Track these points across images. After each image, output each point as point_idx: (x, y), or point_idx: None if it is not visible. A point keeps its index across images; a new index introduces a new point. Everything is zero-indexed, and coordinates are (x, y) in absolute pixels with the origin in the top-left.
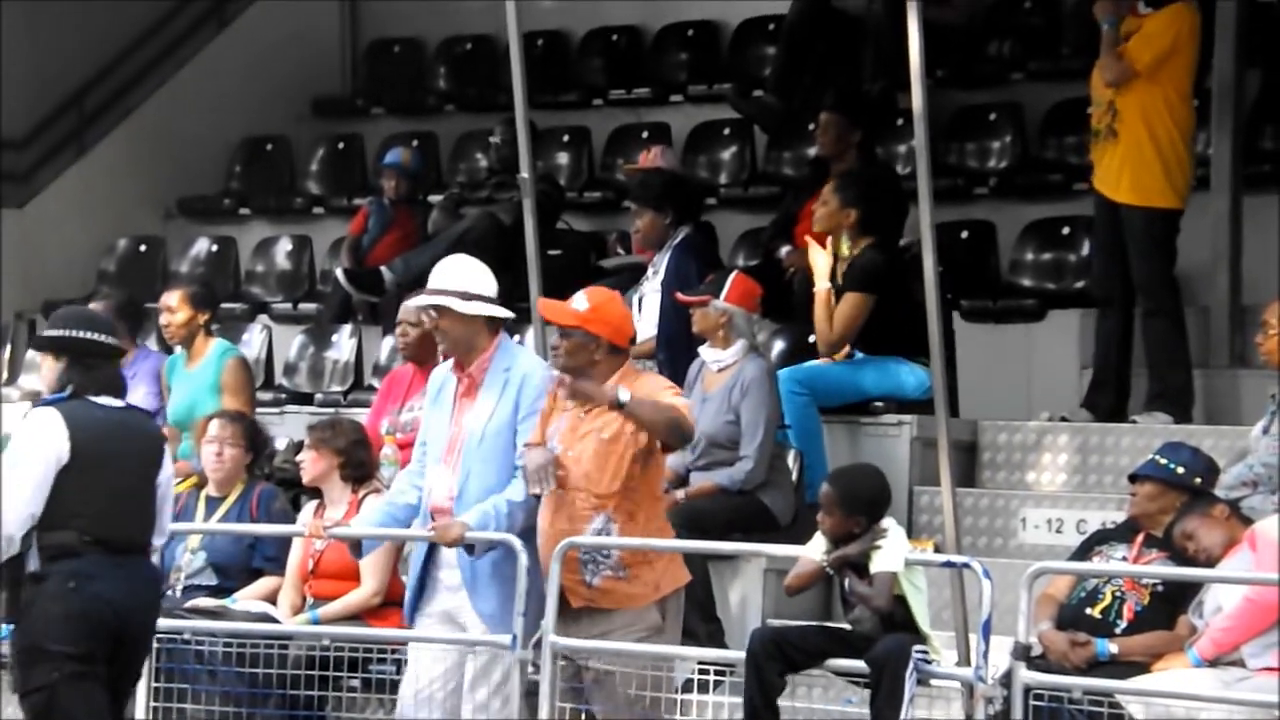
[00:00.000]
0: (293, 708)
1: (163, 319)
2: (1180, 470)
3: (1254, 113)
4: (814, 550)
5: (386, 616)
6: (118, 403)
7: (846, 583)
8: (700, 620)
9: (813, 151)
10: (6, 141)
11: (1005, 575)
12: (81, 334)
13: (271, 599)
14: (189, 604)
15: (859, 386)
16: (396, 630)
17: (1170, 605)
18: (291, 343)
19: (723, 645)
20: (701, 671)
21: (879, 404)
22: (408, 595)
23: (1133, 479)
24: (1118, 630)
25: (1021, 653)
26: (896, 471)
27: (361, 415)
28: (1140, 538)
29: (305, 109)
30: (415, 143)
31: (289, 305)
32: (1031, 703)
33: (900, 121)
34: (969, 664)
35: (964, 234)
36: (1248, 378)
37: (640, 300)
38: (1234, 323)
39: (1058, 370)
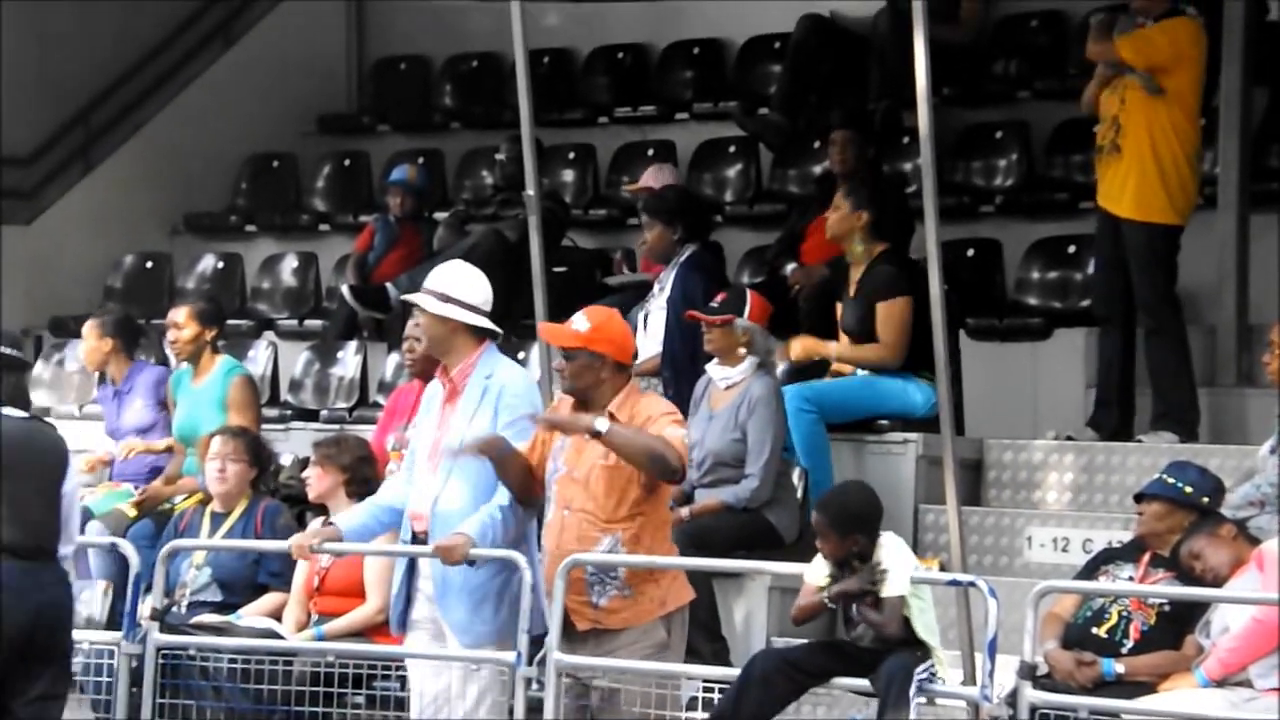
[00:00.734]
0: None
1: (169, 335)
2: (1188, 490)
3: (1261, 131)
4: (815, 572)
5: (391, 633)
6: (22, 414)
7: (854, 607)
8: (705, 639)
9: (818, 169)
10: (14, 158)
11: (1011, 594)
12: None
13: (276, 615)
14: (194, 620)
15: (866, 404)
16: (401, 647)
17: (1177, 625)
18: (297, 359)
19: (728, 663)
20: (707, 689)
21: (884, 422)
22: (393, 605)
23: (1139, 498)
24: (1124, 650)
25: (1027, 672)
26: (902, 490)
27: (367, 432)
28: (1147, 557)
29: (311, 126)
30: (421, 160)
31: (294, 322)
32: None
33: (906, 140)
34: (975, 683)
35: (970, 252)
36: (1254, 397)
37: (646, 318)
38: (1241, 342)
39: (1063, 389)
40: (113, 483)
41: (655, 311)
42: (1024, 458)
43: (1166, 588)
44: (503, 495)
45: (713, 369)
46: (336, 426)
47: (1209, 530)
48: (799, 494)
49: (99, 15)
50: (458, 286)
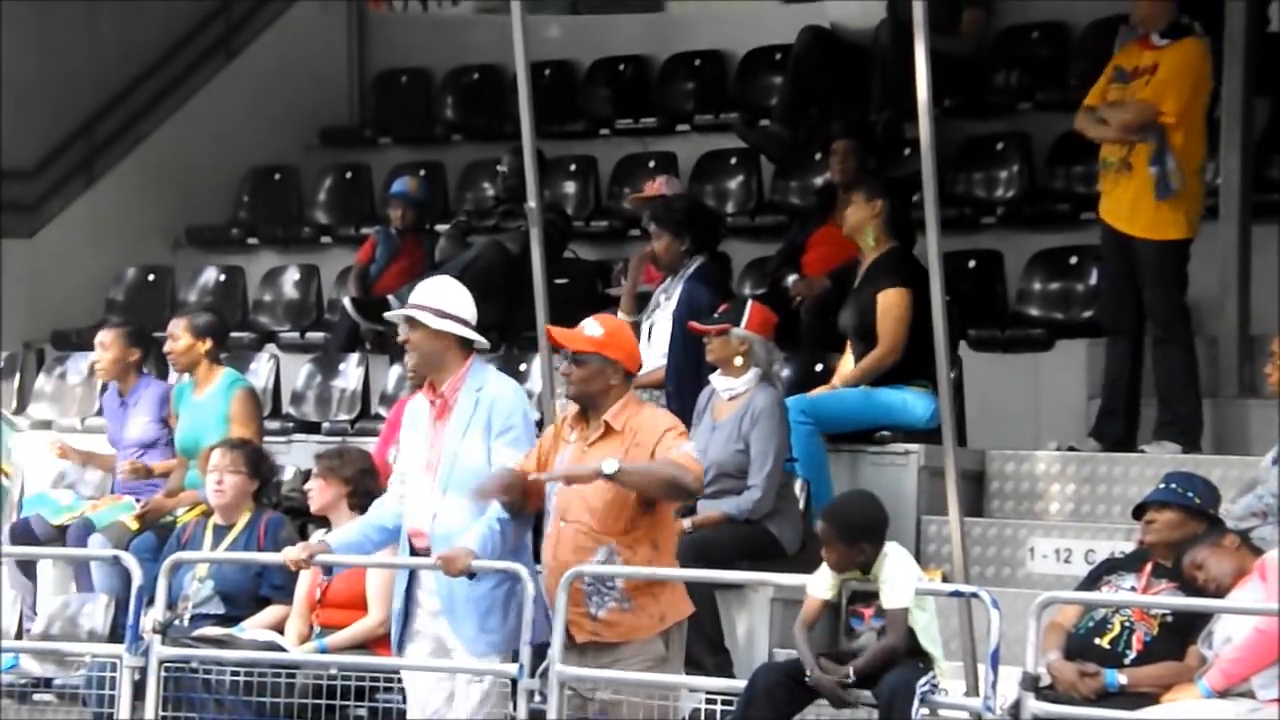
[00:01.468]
0: None
1: (166, 346)
2: (1197, 500)
3: (1263, 141)
4: (818, 583)
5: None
6: None
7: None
8: (708, 651)
9: (819, 181)
10: (16, 171)
11: (1013, 605)
12: None
13: (279, 628)
14: (196, 633)
15: (866, 416)
16: (403, 659)
17: (1180, 636)
18: (299, 372)
19: (731, 675)
20: (709, 701)
21: (886, 433)
22: (394, 621)
23: (1142, 509)
24: (1127, 660)
25: (1030, 683)
26: (904, 501)
27: (369, 444)
28: (1149, 567)
29: (313, 139)
30: (422, 172)
31: (296, 334)
32: None
33: (908, 151)
34: (977, 694)
35: (971, 263)
36: (1257, 408)
37: (650, 329)
38: (1243, 353)
39: (1065, 400)
40: (114, 496)
41: (660, 322)
42: (1026, 469)
43: (1169, 598)
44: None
45: (716, 379)
46: (338, 439)
47: (1212, 541)
48: (801, 505)
49: (101, 28)
50: (451, 301)
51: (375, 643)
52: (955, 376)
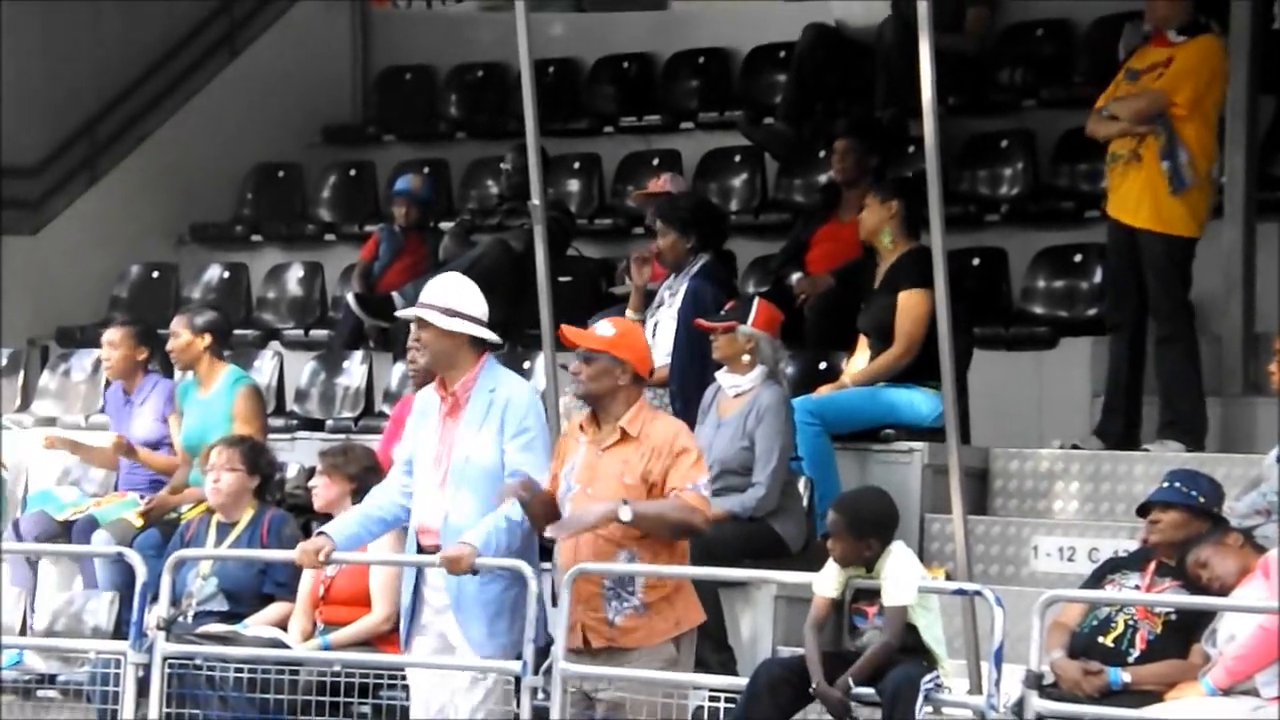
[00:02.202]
0: None
1: (168, 344)
2: (1202, 500)
3: (1267, 139)
4: (825, 582)
5: (397, 642)
6: None
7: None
8: (712, 650)
9: (823, 178)
10: (19, 169)
11: (1017, 603)
12: None
13: (283, 625)
14: (200, 630)
15: (872, 415)
16: (407, 656)
17: (1183, 634)
18: (303, 369)
19: (735, 673)
20: (713, 699)
21: (890, 431)
22: (403, 618)
23: (1146, 508)
24: (1130, 659)
25: (1034, 681)
26: (908, 499)
27: (373, 441)
28: (1153, 566)
29: (317, 136)
30: (426, 170)
31: (300, 332)
32: None
33: (911, 149)
34: (981, 692)
35: (975, 261)
36: (1261, 406)
37: (655, 326)
38: (1247, 350)
39: (1070, 398)
40: (119, 493)
41: (665, 320)
42: (1030, 467)
43: (1173, 596)
44: (514, 509)
45: (722, 376)
46: (342, 436)
47: (1216, 539)
48: (805, 503)
49: (104, 26)
50: (461, 300)
51: (379, 639)
52: (961, 374)
